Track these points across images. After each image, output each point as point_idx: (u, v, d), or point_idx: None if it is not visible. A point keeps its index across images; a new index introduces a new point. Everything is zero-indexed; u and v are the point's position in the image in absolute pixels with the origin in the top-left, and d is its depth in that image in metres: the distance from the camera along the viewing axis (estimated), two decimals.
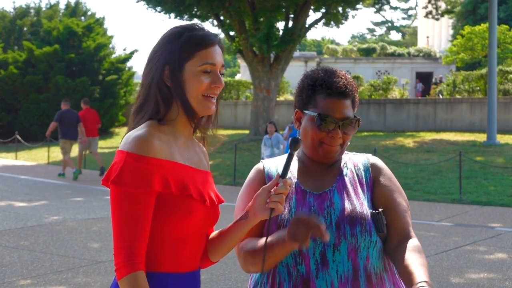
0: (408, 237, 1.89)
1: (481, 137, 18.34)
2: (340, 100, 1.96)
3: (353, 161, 2.05)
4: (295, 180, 1.99)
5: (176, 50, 1.74)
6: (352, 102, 2.01)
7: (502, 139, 17.86)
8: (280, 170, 1.96)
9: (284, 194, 1.74)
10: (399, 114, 22.81)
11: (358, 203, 1.92)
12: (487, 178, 12.65)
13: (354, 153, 2.12)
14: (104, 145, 22.30)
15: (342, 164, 2.03)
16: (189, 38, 1.75)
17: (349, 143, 2.05)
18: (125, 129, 28.32)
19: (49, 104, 26.11)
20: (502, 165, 14.02)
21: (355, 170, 2.02)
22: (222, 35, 23.17)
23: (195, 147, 1.88)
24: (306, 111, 1.99)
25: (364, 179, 2.00)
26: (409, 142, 18.28)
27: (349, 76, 2.05)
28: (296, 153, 2.05)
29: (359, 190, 1.96)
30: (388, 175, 2.02)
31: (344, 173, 2.00)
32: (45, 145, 20.97)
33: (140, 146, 1.66)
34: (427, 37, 48.66)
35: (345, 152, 2.09)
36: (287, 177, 1.77)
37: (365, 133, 21.44)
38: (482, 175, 12.98)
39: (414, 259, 1.78)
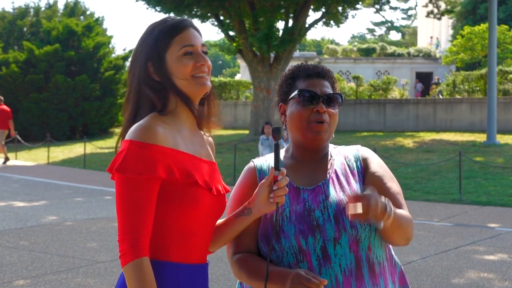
0: None
1: (481, 137, 18.34)
2: (319, 80, 2.02)
3: (344, 153, 2.07)
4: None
5: (153, 43, 1.78)
6: (332, 88, 2.04)
7: (502, 139, 17.86)
8: (272, 164, 1.97)
9: (285, 185, 1.78)
10: (399, 114, 22.81)
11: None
12: (487, 178, 12.65)
13: (343, 146, 2.13)
14: (104, 145, 22.29)
15: (332, 157, 2.04)
16: (162, 29, 1.80)
17: (335, 128, 2.06)
18: None
19: (49, 103, 26.10)
20: (502, 165, 14.02)
21: (346, 161, 2.03)
22: (221, 35, 23.17)
23: (200, 138, 1.89)
24: (289, 98, 2.03)
25: (355, 169, 2.01)
26: (409, 142, 18.28)
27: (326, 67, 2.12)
28: (284, 150, 2.08)
29: (352, 180, 1.98)
30: (377, 162, 2.03)
31: (335, 165, 2.01)
32: (45, 145, 20.98)
33: (143, 134, 1.68)
34: (431, 37, 48.43)
35: (334, 146, 2.11)
36: (281, 167, 1.80)
37: (365, 133, 21.44)
38: (482, 175, 12.98)
39: (401, 211, 1.86)
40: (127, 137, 1.71)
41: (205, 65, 1.80)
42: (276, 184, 1.78)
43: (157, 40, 1.78)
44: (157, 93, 1.78)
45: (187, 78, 1.77)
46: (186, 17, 16.96)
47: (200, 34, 1.84)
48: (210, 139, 1.96)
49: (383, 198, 1.72)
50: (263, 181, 1.82)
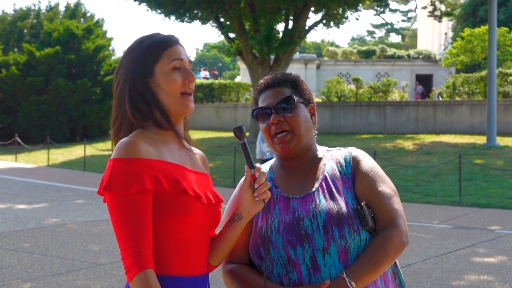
0: (391, 225, 1.86)
1: (481, 139, 18.34)
2: (269, 91, 2.01)
3: (335, 158, 2.03)
4: (278, 189, 1.98)
5: (141, 57, 1.77)
6: (294, 90, 2.01)
7: (502, 141, 17.86)
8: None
9: (264, 180, 1.78)
10: (399, 116, 22.81)
11: (343, 203, 1.89)
12: (487, 181, 12.65)
13: (337, 148, 2.09)
14: (104, 147, 22.29)
15: (323, 162, 2.01)
16: (151, 42, 1.79)
17: (314, 131, 2.04)
18: None
19: (49, 106, 26.11)
20: (502, 167, 14.01)
21: (337, 166, 2.00)
22: (221, 37, 23.19)
23: (189, 152, 1.88)
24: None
25: (346, 174, 1.98)
26: (409, 144, 18.28)
27: (287, 72, 2.09)
28: (274, 160, 2.10)
29: (342, 188, 1.94)
30: (369, 165, 1.98)
31: (326, 171, 1.98)
32: (45, 147, 20.98)
33: (126, 150, 1.68)
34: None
35: (328, 149, 2.08)
36: (255, 164, 1.79)
37: (365, 136, 21.45)
38: (482, 177, 12.98)
39: (366, 251, 1.83)
40: (112, 156, 1.71)
41: (193, 82, 1.81)
42: (256, 181, 1.77)
43: (146, 52, 1.77)
44: (141, 108, 1.77)
45: (175, 94, 1.77)
46: (186, 19, 16.92)
47: (186, 53, 1.86)
48: (202, 153, 1.96)
49: None
50: (242, 184, 1.82)
